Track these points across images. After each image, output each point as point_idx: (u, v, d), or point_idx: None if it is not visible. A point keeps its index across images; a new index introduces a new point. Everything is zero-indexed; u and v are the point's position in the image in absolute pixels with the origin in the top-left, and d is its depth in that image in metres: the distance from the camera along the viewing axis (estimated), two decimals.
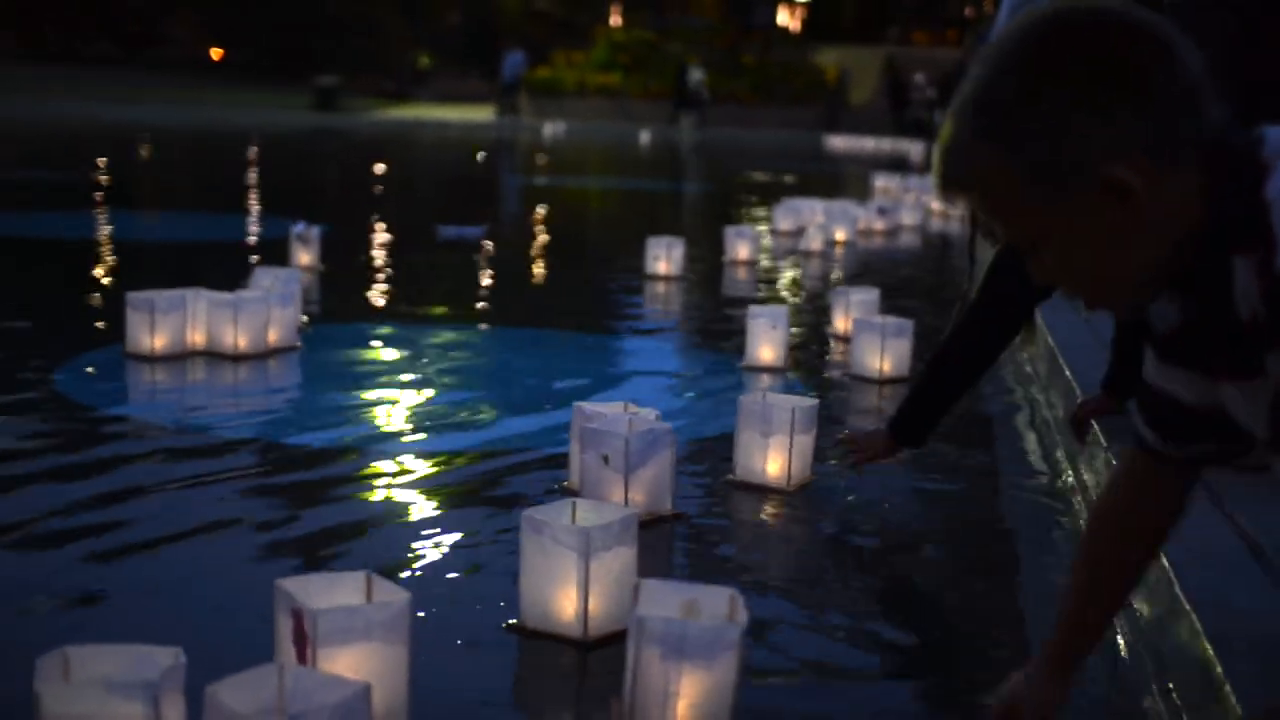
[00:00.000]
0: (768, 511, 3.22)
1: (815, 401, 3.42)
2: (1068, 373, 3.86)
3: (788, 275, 7.71)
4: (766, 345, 4.74)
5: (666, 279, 6.84)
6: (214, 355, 4.57)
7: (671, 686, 1.91)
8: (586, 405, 3.24)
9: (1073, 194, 1.41)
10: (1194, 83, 1.40)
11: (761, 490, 3.31)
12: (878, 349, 4.65)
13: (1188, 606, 2.08)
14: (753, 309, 4.87)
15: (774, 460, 3.31)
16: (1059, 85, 1.40)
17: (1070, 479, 3.39)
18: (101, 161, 14.54)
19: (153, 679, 1.64)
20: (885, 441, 3.24)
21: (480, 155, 18.53)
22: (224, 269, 6.17)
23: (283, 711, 1.64)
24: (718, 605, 2.00)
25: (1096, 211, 1.41)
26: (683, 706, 1.92)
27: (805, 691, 2.21)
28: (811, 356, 5.21)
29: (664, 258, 6.87)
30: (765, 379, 4.67)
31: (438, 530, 2.94)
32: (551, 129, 29.95)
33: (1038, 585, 2.75)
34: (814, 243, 8.47)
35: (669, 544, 2.95)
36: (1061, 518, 3.18)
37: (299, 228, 6.78)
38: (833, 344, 5.39)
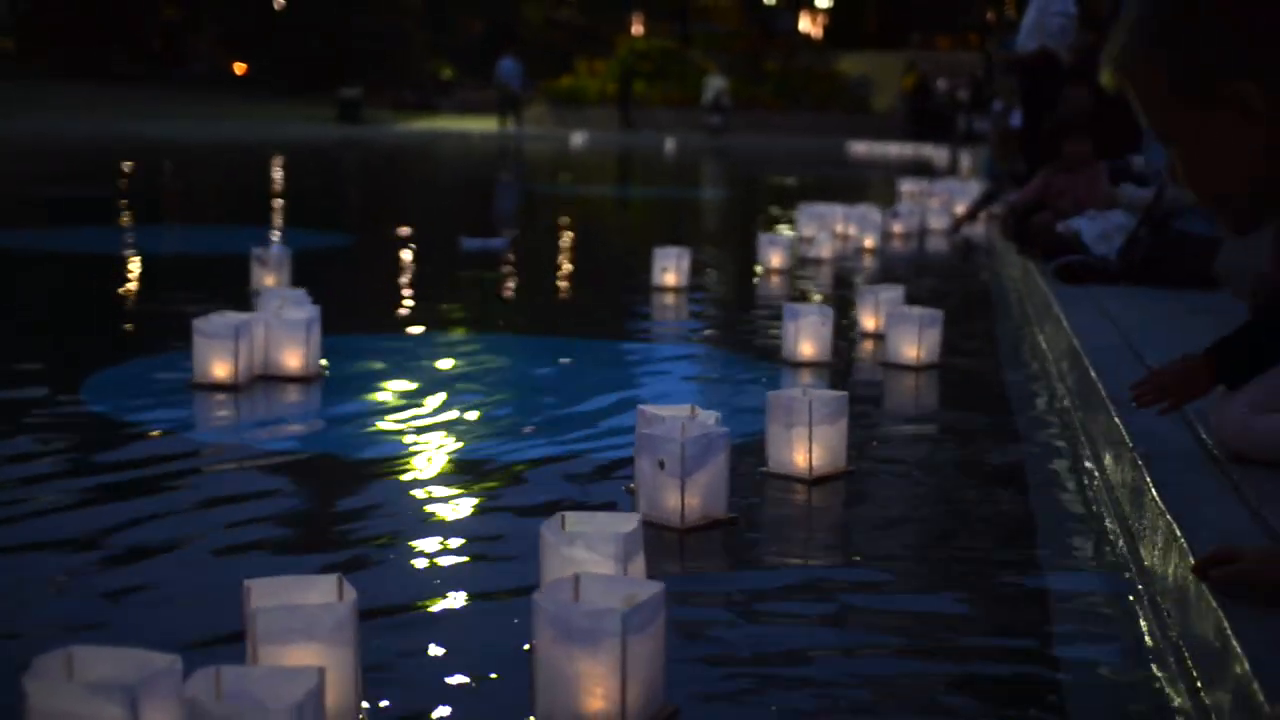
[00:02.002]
0: (793, 503, 3.28)
1: (839, 394, 3.47)
2: (1093, 374, 3.85)
3: (813, 278, 7.72)
4: (809, 341, 4.88)
5: (675, 290, 6.71)
6: (276, 379, 4.36)
7: (568, 671, 1.91)
8: (649, 409, 3.25)
9: (1209, 102, 1.67)
10: None
11: (789, 480, 3.38)
12: (914, 338, 4.85)
13: (1214, 604, 2.07)
14: (791, 307, 4.98)
15: (799, 452, 3.39)
16: (1219, 10, 1.66)
17: (1098, 481, 3.38)
18: (125, 178, 14.61)
19: (132, 682, 1.65)
20: (1205, 376, 3.01)
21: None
22: (237, 284, 6.20)
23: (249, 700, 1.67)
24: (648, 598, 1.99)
25: (1224, 121, 1.67)
26: (580, 692, 1.91)
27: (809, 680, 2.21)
28: (845, 351, 5.30)
29: (672, 269, 6.76)
30: (806, 375, 4.76)
31: (467, 540, 2.93)
32: (580, 138, 29.99)
33: (1060, 580, 2.74)
34: (824, 250, 8.46)
35: (722, 547, 2.95)
36: (1085, 519, 3.17)
37: (258, 249, 6.24)
38: (861, 341, 5.50)
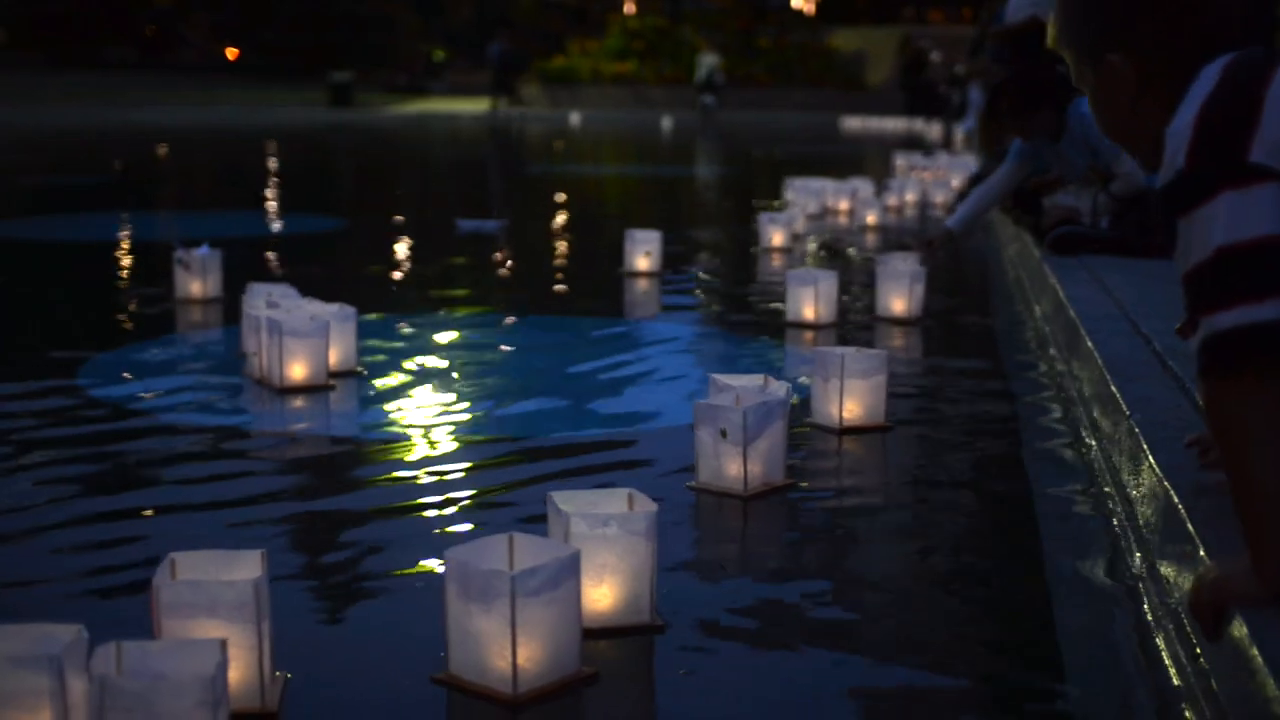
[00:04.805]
0: (823, 453, 3.48)
1: (876, 351, 3.66)
2: (1089, 343, 3.83)
3: (806, 251, 7.76)
4: (822, 305, 5.16)
5: (647, 275, 6.52)
6: (342, 375, 4.19)
7: (469, 628, 1.95)
8: (721, 378, 3.28)
9: (1098, 64, 2.01)
10: (1221, 20, 1.92)
11: (826, 432, 3.59)
12: (905, 292, 5.31)
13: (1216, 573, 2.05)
14: (801, 273, 5.27)
15: (834, 405, 3.61)
16: None
17: (1095, 451, 3.37)
18: (120, 164, 14.54)
19: (55, 653, 1.66)
20: None
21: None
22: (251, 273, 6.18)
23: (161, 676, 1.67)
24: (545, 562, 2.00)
25: (1112, 82, 2.01)
26: (481, 649, 1.95)
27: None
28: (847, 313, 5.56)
29: (649, 252, 6.55)
30: (819, 337, 5.00)
31: (476, 521, 2.92)
32: (575, 118, 29.93)
33: (1058, 561, 2.74)
34: (798, 225, 8.46)
35: (781, 513, 2.99)
36: (1087, 498, 3.16)
37: (181, 252, 5.52)
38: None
